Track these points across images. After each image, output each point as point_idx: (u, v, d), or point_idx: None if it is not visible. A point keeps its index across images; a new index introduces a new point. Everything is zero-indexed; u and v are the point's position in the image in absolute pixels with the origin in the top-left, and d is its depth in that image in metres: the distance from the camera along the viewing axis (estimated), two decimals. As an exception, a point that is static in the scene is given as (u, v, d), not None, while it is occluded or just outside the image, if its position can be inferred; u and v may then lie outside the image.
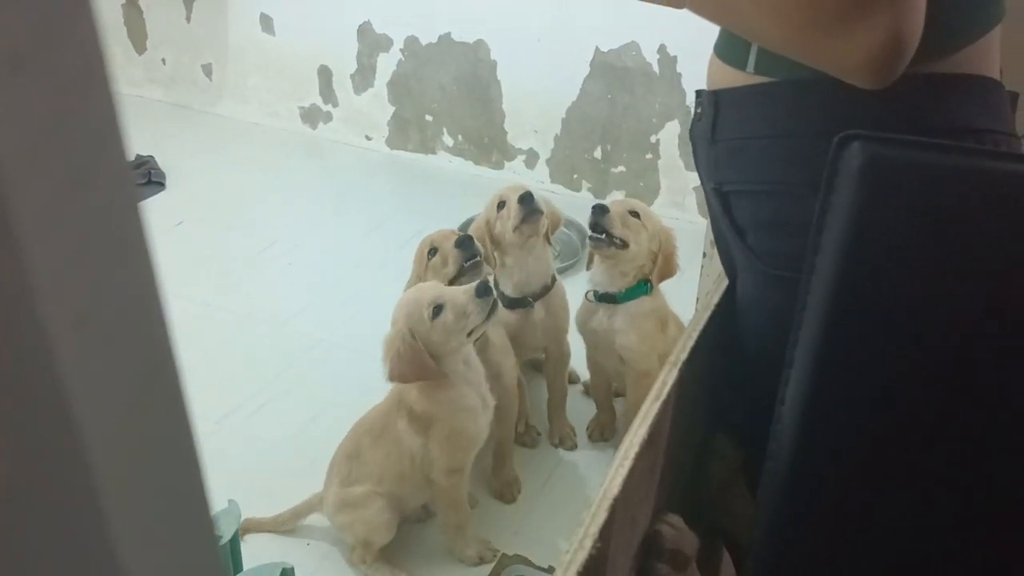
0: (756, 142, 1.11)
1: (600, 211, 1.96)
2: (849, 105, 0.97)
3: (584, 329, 2.13)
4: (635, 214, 1.99)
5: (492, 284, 1.88)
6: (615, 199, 2.18)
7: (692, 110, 2.88)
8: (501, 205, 2.14)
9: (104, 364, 0.25)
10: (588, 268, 2.14)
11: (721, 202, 1.19)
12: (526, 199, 2.07)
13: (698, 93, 1.22)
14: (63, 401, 0.23)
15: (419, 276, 2.15)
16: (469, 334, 1.77)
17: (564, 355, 2.26)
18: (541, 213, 2.08)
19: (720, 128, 1.15)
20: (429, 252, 2.14)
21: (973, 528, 0.97)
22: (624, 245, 1.96)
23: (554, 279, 2.21)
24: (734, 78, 1.11)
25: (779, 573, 1.07)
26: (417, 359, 1.72)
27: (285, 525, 1.87)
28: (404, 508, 1.87)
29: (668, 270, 2.04)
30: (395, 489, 1.81)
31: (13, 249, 0.21)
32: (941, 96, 1.00)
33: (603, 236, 1.95)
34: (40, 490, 0.24)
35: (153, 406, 0.27)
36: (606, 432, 2.26)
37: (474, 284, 1.76)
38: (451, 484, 1.79)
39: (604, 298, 2.06)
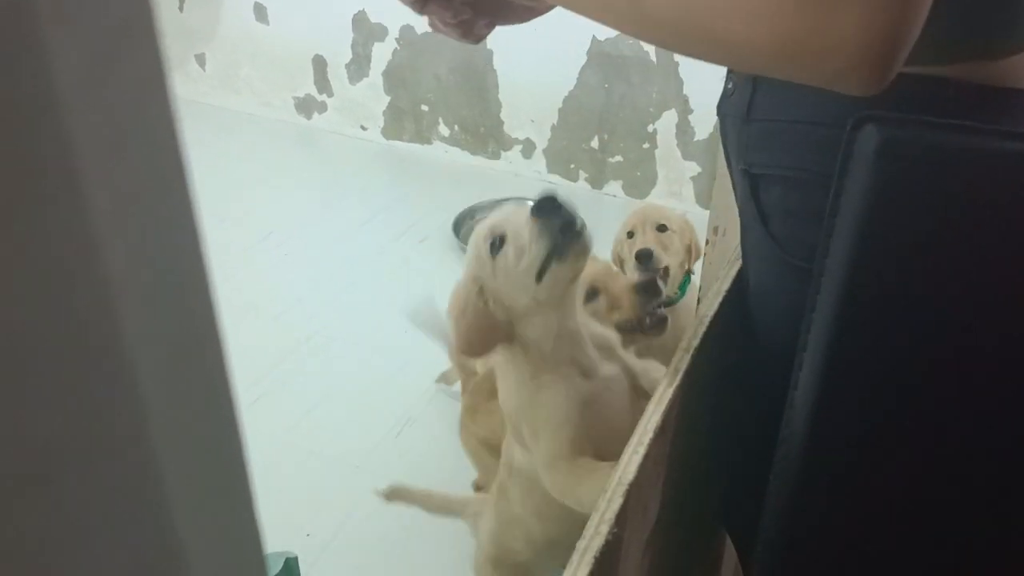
0: (793, 127, 1.08)
1: (647, 257, 1.95)
2: (896, 100, 0.95)
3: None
4: (662, 227, 2.01)
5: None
6: (636, 218, 2.03)
7: (688, 99, 2.85)
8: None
9: (156, 314, 0.25)
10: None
11: (750, 184, 1.17)
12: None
13: (729, 68, 1.18)
14: (123, 353, 0.23)
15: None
16: (540, 278, 1.28)
17: None
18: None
19: (756, 107, 1.12)
20: (587, 295, 1.69)
21: (990, 519, 0.96)
22: (667, 268, 1.99)
23: None
24: None
25: (789, 559, 1.06)
26: (483, 319, 1.30)
27: (429, 504, 1.71)
28: None
29: (697, 253, 2.07)
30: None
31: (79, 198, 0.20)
32: (990, 108, 0.98)
33: (658, 274, 1.94)
34: (98, 445, 0.24)
35: (198, 361, 0.27)
36: None
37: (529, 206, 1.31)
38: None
39: (665, 304, 2.08)
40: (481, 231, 1.33)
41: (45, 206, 0.21)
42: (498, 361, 1.40)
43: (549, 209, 1.29)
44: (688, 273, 2.10)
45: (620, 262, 2.04)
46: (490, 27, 1.20)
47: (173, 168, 0.25)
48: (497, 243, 1.30)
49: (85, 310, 0.22)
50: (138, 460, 0.25)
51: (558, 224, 1.29)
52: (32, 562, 0.23)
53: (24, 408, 0.22)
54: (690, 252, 2.06)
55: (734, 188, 1.28)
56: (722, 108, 1.22)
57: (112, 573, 0.26)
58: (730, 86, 1.19)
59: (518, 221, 1.31)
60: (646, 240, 1.97)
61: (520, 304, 1.30)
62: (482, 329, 1.30)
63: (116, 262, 0.23)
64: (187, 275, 0.27)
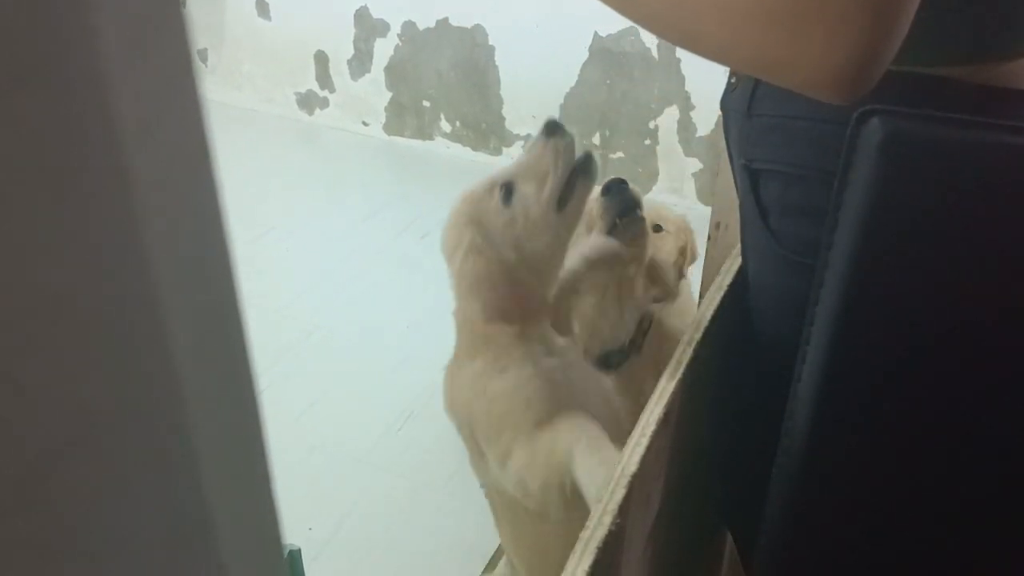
0: (794, 122, 1.08)
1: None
2: (899, 98, 0.95)
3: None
4: (658, 227, 2.00)
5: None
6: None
7: (690, 96, 2.87)
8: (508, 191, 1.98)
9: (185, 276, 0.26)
10: None
11: (750, 179, 1.17)
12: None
13: None
14: (159, 319, 0.24)
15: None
16: (562, 203, 1.27)
17: None
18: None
19: (758, 102, 1.12)
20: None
21: (994, 513, 0.96)
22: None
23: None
24: None
25: (792, 552, 1.06)
26: (510, 275, 1.25)
27: None
28: None
29: (693, 255, 2.05)
30: None
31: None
32: (994, 109, 0.98)
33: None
34: (134, 411, 0.25)
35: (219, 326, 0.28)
36: None
37: (536, 135, 1.30)
38: None
39: (655, 299, 2.09)
40: (483, 185, 1.29)
41: (91, 175, 0.22)
42: (450, 364, 1.37)
43: (556, 128, 1.29)
44: (680, 276, 2.08)
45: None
46: None
47: (200, 150, 0.27)
48: (506, 192, 1.26)
49: (126, 281, 0.23)
50: (171, 426, 0.26)
51: (570, 141, 1.28)
52: (68, 522, 0.24)
53: (65, 373, 0.22)
54: (684, 255, 2.03)
55: (735, 183, 1.28)
56: (725, 103, 1.22)
57: (144, 534, 0.26)
58: (733, 80, 1.19)
59: (519, 164, 1.29)
60: None
61: (542, 247, 1.26)
62: (517, 293, 1.25)
63: (154, 236, 0.24)
64: (214, 252, 0.28)
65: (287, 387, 2.29)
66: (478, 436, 1.30)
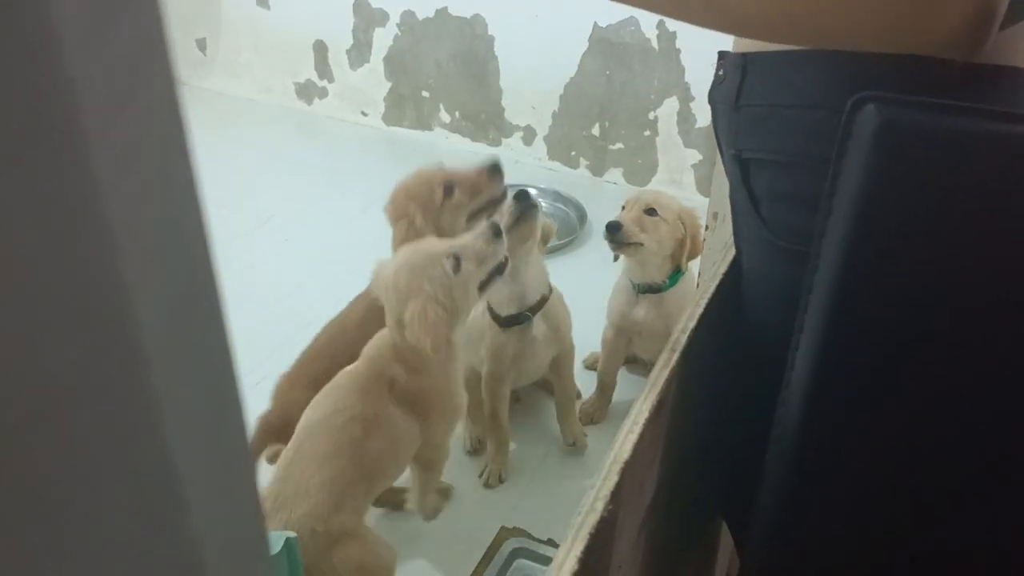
0: (781, 111, 1.09)
1: (614, 229, 1.97)
2: (883, 82, 0.96)
3: (623, 320, 2.14)
4: (652, 211, 2.00)
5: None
6: (631, 197, 2.07)
7: (690, 86, 2.86)
8: (448, 190, 2.01)
9: (158, 270, 0.25)
10: (616, 260, 2.15)
11: (741, 169, 1.18)
12: (521, 195, 1.90)
13: (721, 55, 1.19)
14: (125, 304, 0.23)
15: (418, 228, 1.98)
16: (483, 287, 1.62)
17: (570, 353, 2.11)
18: (538, 209, 1.91)
19: (745, 93, 1.13)
20: (445, 191, 1.97)
21: (987, 503, 0.96)
22: (640, 245, 1.98)
23: (550, 287, 2.02)
24: (765, 43, 1.09)
25: (785, 539, 1.06)
26: (445, 322, 1.54)
27: None
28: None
29: (695, 250, 2.05)
30: (388, 473, 1.65)
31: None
32: (977, 85, 0.98)
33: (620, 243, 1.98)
34: (102, 385, 0.24)
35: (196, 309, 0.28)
36: (596, 416, 2.25)
37: (484, 225, 1.63)
38: (443, 455, 1.76)
39: (647, 289, 2.10)
40: (437, 253, 1.60)
41: (50, 151, 0.21)
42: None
43: (496, 229, 1.64)
44: (679, 268, 2.09)
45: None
46: None
47: (173, 125, 0.26)
48: (457, 263, 1.57)
49: (88, 251, 0.23)
50: (141, 403, 0.26)
51: (503, 239, 1.65)
52: (38, 495, 0.24)
53: (34, 345, 0.22)
54: (684, 246, 2.04)
55: (727, 175, 1.28)
56: (713, 96, 1.23)
57: (115, 512, 0.26)
58: (721, 73, 1.19)
59: (465, 244, 1.62)
60: (628, 217, 1.98)
61: (467, 305, 1.62)
62: (443, 327, 1.54)
63: (118, 208, 0.23)
64: (187, 227, 0.27)
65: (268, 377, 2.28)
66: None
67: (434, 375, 1.62)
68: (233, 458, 0.31)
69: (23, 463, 0.23)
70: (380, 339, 1.67)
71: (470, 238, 1.61)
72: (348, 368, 1.65)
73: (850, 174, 0.88)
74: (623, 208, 2.03)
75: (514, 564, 1.79)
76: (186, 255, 0.27)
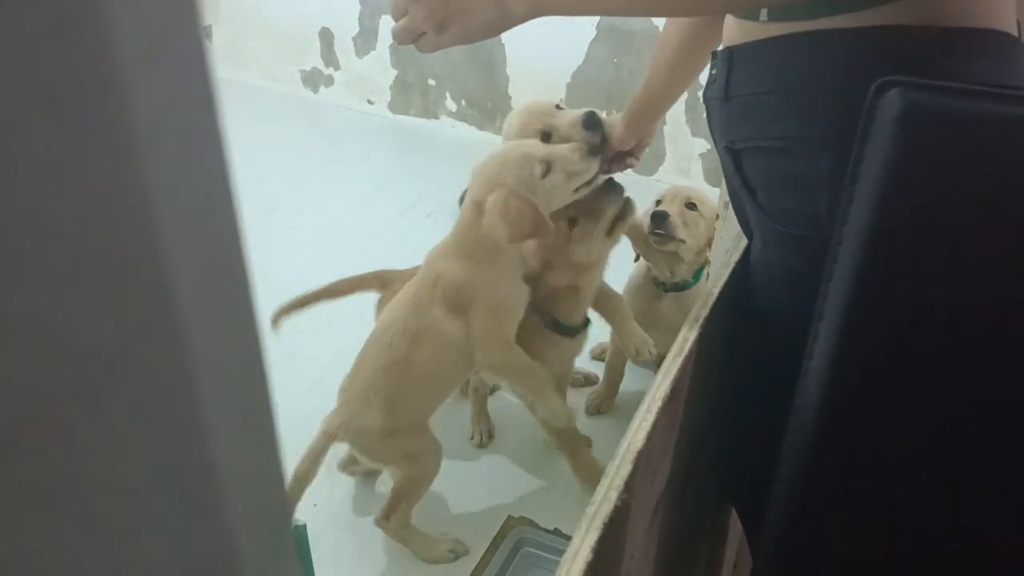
0: (768, 97, 1.09)
1: (661, 218, 1.91)
2: (863, 61, 0.96)
3: (644, 318, 2.05)
4: (692, 205, 1.97)
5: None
6: (669, 191, 2.03)
7: (698, 76, 2.82)
8: (658, 203, 1.99)
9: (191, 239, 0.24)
10: (636, 260, 2.13)
11: (733, 160, 1.18)
12: (618, 188, 1.80)
13: (713, 55, 1.20)
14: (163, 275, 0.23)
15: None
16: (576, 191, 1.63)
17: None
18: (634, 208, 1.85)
19: (733, 85, 1.14)
20: (542, 136, 1.82)
21: (1010, 497, 0.95)
22: (682, 242, 1.95)
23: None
24: (748, 32, 1.09)
25: (800, 529, 1.05)
26: (533, 215, 1.55)
27: (310, 476, 1.67)
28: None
29: None
30: (439, 388, 1.74)
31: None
32: (958, 52, 0.98)
33: (664, 234, 1.93)
34: (138, 359, 0.24)
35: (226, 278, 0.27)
36: (604, 406, 2.23)
37: (578, 144, 1.62)
38: (508, 356, 1.72)
39: (673, 288, 2.06)
40: (533, 155, 1.60)
41: (89, 108, 0.21)
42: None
43: (595, 148, 1.64)
44: (706, 263, 2.05)
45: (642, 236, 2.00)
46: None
47: (203, 90, 0.26)
48: (547, 168, 1.58)
49: (127, 219, 0.22)
50: (175, 378, 0.25)
51: (600, 155, 1.66)
52: (62, 469, 0.23)
53: (64, 310, 0.22)
54: (711, 243, 2.00)
55: (722, 168, 1.28)
56: (707, 94, 1.23)
57: (148, 484, 0.26)
58: (713, 72, 1.20)
59: (563, 154, 1.61)
60: (671, 210, 1.94)
61: (549, 209, 1.62)
62: (532, 220, 1.56)
63: (154, 172, 0.23)
64: (217, 196, 0.27)
65: (293, 364, 2.28)
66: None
67: (483, 267, 1.64)
68: (263, 440, 0.32)
69: (60, 439, 0.22)
70: (435, 248, 1.75)
71: (566, 150, 1.62)
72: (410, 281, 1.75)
73: (873, 160, 0.86)
74: (658, 202, 2.00)
75: (520, 553, 1.78)
76: (218, 225, 0.27)
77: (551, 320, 1.81)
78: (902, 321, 0.90)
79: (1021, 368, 0.88)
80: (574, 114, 1.78)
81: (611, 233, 1.71)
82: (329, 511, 1.86)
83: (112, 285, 0.22)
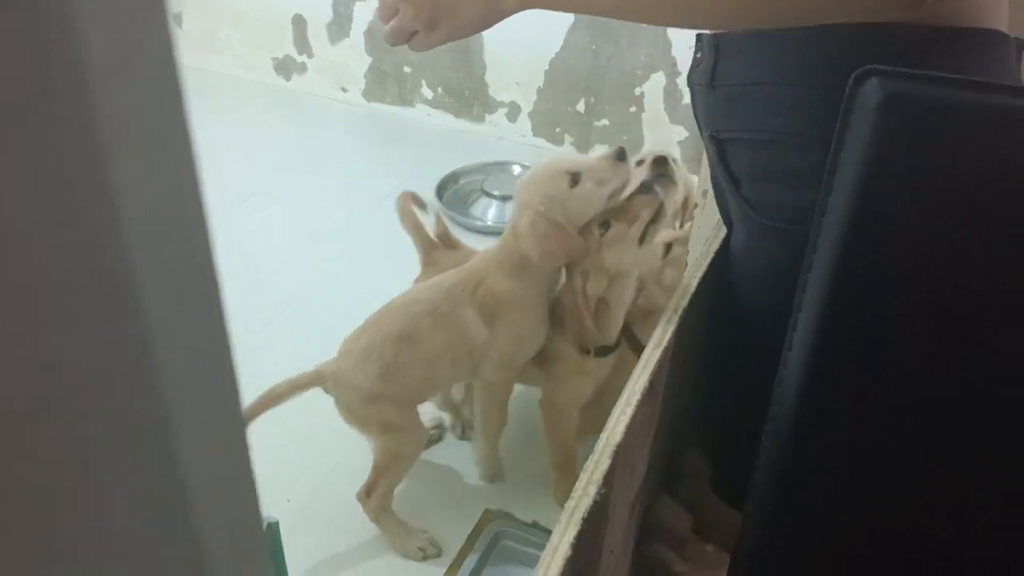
0: (757, 89, 1.08)
1: (664, 162, 1.82)
2: (855, 57, 0.95)
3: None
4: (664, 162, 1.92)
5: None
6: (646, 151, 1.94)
7: (677, 61, 2.80)
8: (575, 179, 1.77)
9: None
10: None
11: (718, 149, 1.17)
12: (660, 161, 1.80)
13: (698, 37, 1.19)
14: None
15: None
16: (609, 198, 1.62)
17: None
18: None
19: (720, 73, 1.12)
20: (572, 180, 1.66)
21: (987, 483, 0.94)
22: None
23: None
24: None
25: (781, 521, 1.04)
26: (563, 235, 1.58)
27: (279, 400, 1.68)
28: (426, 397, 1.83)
29: (691, 211, 1.97)
30: (437, 377, 1.73)
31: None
32: (950, 50, 0.97)
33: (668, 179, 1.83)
34: (105, 374, 0.24)
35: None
36: None
37: (605, 153, 1.62)
38: (499, 381, 1.75)
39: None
40: (559, 167, 1.61)
41: (52, 110, 0.20)
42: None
43: (621, 153, 1.60)
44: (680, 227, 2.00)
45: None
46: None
47: (171, 93, 0.25)
48: (576, 178, 1.59)
49: (93, 221, 0.22)
50: (143, 391, 0.25)
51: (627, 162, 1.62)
52: (42, 486, 0.23)
53: (33, 326, 0.21)
54: (687, 206, 1.93)
55: (707, 156, 1.27)
56: (691, 78, 1.22)
57: (118, 501, 0.26)
58: (698, 55, 1.18)
59: (591, 162, 1.61)
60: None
61: (585, 219, 1.63)
62: (562, 240, 1.59)
63: (122, 174, 0.22)
64: (185, 196, 0.27)
65: (266, 357, 2.25)
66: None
67: (523, 286, 1.66)
68: (232, 443, 0.33)
69: (30, 453, 0.22)
70: (485, 251, 1.75)
71: (594, 158, 1.63)
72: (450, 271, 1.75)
73: (852, 149, 0.85)
74: (638, 163, 1.92)
75: (498, 546, 1.77)
76: (185, 227, 0.26)
77: (581, 342, 1.72)
78: (881, 311, 0.89)
79: (1001, 356, 0.88)
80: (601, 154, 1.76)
81: (643, 239, 1.63)
82: (301, 506, 1.85)
83: (78, 296, 0.22)
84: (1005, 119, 0.82)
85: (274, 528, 1.27)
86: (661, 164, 1.80)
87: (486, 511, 1.82)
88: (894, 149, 0.84)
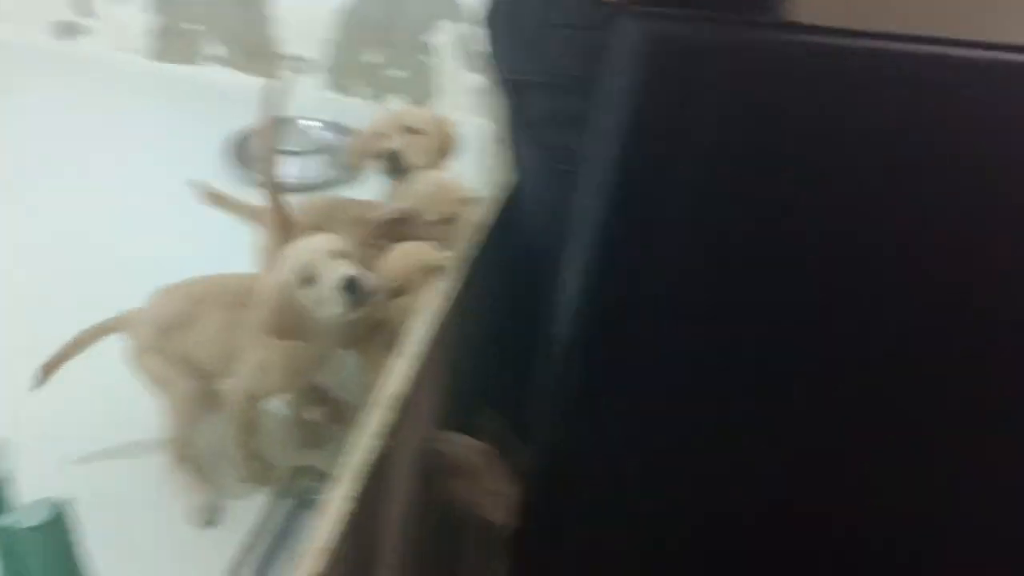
0: (554, 31, 1.07)
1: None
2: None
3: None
4: (413, 130, 1.83)
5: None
6: (382, 115, 1.86)
7: (469, 9, 2.77)
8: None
9: None
10: None
11: (514, 92, 1.16)
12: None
13: None
14: None
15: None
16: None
17: None
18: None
19: (518, 16, 1.11)
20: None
21: (771, 427, 0.98)
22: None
23: None
24: None
25: (557, 467, 1.05)
26: (294, 318, 1.37)
27: (80, 348, 1.65)
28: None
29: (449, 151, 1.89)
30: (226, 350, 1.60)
31: None
32: None
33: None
34: None
35: None
36: None
37: (343, 274, 1.32)
38: (246, 408, 1.65)
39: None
40: (319, 250, 1.38)
41: None
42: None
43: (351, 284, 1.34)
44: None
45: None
46: None
47: None
48: (309, 280, 1.37)
49: None
50: None
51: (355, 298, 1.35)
52: None
53: None
54: (444, 151, 1.76)
55: (501, 100, 1.27)
56: (488, 20, 1.21)
57: None
58: None
59: (329, 274, 1.37)
60: (393, 142, 1.74)
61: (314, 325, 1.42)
62: (292, 321, 1.40)
63: None
64: None
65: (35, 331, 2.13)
66: None
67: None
68: None
69: None
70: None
71: (335, 272, 1.37)
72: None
73: (612, 94, 0.86)
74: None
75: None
76: None
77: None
78: (651, 258, 0.90)
79: (793, 307, 0.90)
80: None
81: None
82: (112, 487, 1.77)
83: None
84: (767, 54, 0.83)
85: (60, 518, 1.19)
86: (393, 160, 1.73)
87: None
88: (655, 92, 0.84)
